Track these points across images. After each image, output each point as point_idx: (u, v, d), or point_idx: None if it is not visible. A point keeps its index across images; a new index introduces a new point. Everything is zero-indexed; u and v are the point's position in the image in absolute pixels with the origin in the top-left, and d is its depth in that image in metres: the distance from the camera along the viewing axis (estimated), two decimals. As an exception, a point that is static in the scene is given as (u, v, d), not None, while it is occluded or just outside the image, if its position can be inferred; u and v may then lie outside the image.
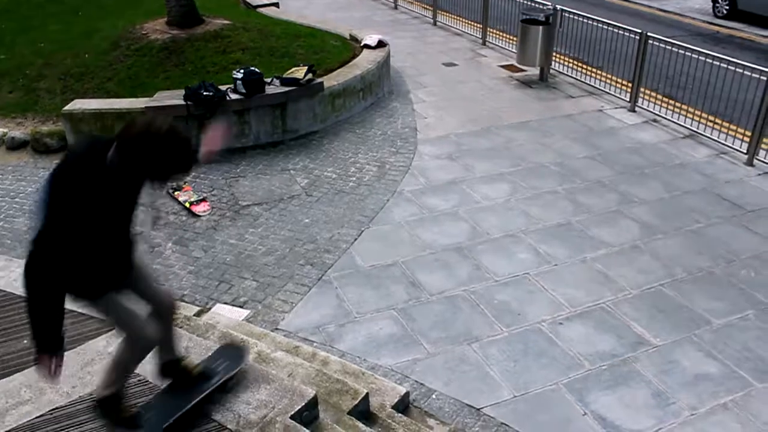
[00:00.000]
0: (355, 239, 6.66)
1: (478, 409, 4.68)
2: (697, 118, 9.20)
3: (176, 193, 7.41)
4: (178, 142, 2.95)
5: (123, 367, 3.43)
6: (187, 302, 5.61)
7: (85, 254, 3.02)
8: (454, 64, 12.12)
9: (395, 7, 16.63)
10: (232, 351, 4.04)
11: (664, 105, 9.78)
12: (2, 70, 10.03)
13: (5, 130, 8.66)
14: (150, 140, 2.87)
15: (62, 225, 2.91)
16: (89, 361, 4.00)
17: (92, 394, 3.68)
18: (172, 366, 3.68)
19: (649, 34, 9.63)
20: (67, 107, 8.38)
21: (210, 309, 5.56)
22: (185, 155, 3.02)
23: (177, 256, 6.40)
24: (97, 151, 2.98)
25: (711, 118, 9.04)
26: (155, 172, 2.98)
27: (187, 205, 7.20)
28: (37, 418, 3.62)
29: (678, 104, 9.60)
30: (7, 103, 9.33)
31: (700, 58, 9.02)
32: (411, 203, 7.35)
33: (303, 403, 3.67)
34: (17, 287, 5.26)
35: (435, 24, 15.00)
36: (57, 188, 2.96)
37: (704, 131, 9.08)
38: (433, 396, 4.79)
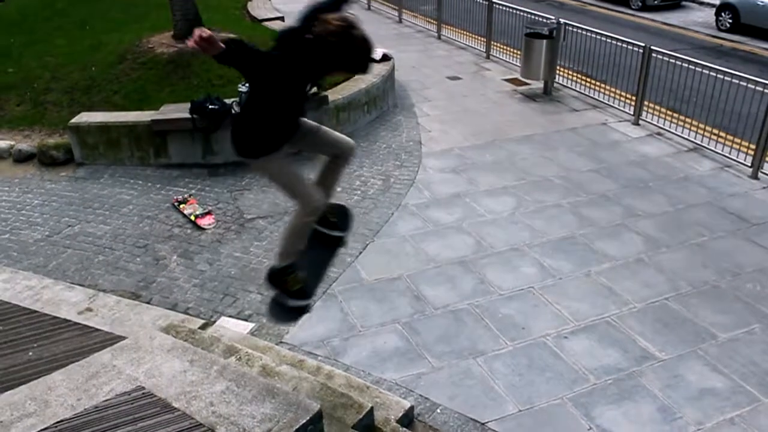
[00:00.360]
0: (360, 253, 6.67)
1: (483, 424, 4.67)
2: (701, 132, 9.21)
3: (182, 206, 7.44)
4: (367, 47, 3.52)
5: (296, 233, 3.89)
6: (191, 315, 5.62)
7: (273, 109, 3.68)
8: (459, 78, 12.16)
9: (399, 21, 16.70)
10: (342, 211, 4.43)
11: (668, 118, 9.79)
12: (10, 83, 10.11)
13: (12, 143, 8.72)
14: (348, 37, 3.44)
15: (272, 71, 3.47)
16: (94, 373, 4.00)
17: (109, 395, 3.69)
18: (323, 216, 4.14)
19: (652, 47, 9.66)
20: (73, 120, 8.44)
21: (215, 322, 5.57)
22: (365, 59, 3.59)
23: (182, 268, 6.41)
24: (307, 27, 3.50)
25: (715, 131, 9.05)
26: (342, 63, 3.53)
27: (192, 218, 7.22)
28: (41, 431, 3.62)
29: (682, 117, 9.62)
30: (15, 116, 9.40)
31: (703, 71, 9.03)
32: (415, 217, 7.36)
33: (307, 417, 3.66)
34: (23, 299, 5.29)
35: (439, 38, 15.06)
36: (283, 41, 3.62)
37: (708, 144, 9.09)
38: (438, 410, 4.78)
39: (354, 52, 3.48)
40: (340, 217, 4.45)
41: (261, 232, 7.03)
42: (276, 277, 4.00)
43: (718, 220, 7.34)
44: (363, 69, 3.65)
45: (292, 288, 4.00)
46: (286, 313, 4.18)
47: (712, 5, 18.63)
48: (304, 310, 4.15)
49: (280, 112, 3.75)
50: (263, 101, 3.65)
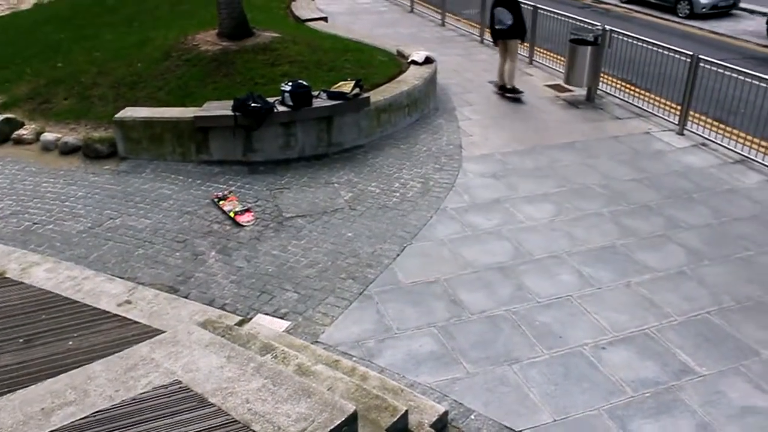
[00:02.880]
0: (398, 255, 6.66)
1: (517, 432, 4.62)
2: (749, 143, 9.02)
3: (221, 202, 7.51)
4: None
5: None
6: (228, 311, 5.66)
7: None
8: (500, 82, 12.08)
9: (442, 24, 16.67)
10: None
11: (714, 129, 9.60)
12: (58, 77, 10.31)
13: (59, 135, 8.89)
14: None
15: None
16: (133, 366, 4.04)
17: (141, 393, 3.73)
18: None
19: (700, 56, 9.48)
20: (118, 114, 8.57)
21: (251, 319, 5.60)
22: None
23: (220, 265, 6.47)
24: None
25: (763, 143, 8.85)
26: None
27: (232, 214, 7.28)
28: (81, 419, 3.67)
29: (729, 128, 9.43)
30: (62, 109, 9.58)
31: (753, 81, 8.84)
32: (454, 221, 7.32)
33: (342, 418, 3.65)
34: (65, 289, 5.38)
35: (482, 42, 15.00)
36: None
37: (756, 156, 8.89)
38: (472, 416, 4.74)
39: None
40: None
41: (299, 230, 7.06)
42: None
43: (765, 235, 7.16)
44: None
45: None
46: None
47: (764, 14, 18.25)
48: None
49: None
50: None
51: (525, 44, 12.33)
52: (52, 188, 7.88)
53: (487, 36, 14.86)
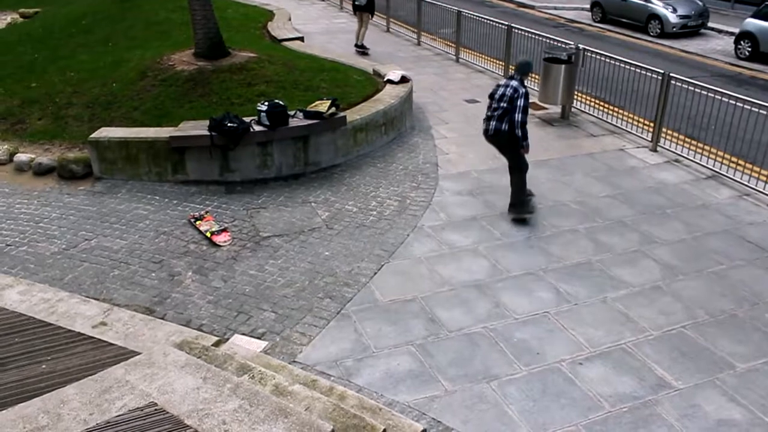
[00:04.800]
0: (375, 273, 6.66)
1: (496, 449, 4.62)
2: (720, 159, 9.16)
3: (198, 222, 7.47)
4: None
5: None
6: (205, 332, 5.61)
7: None
8: (476, 101, 12.17)
9: (418, 44, 16.80)
10: None
11: (687, 145, 9.76)
12: (33, 97, 10.23)
13: (33, 156, 8.81)
14: None
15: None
16: (107, 388, 4.00)
17: (118, 415, 3.68)
18: None
19: (671, 74, 9.64)
20: (93, 135, 8.52)
21: (228, 339, 5.56)
22: None
23: (197, 285, 6.42)
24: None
25: (734, 159, 9.00)
26: None
27: (208, 234, 7.24)
28: (54, 444, 3.62)
29: (701, 145, 9.58)
30: (36, 129, 9.50)
31: (722, 99, 9.01)
32: (431, 239, 7.34)
33: (320, 438, 3.64)
34: (39, 311, 5.31)
35: (458, 61, 15.13)
36: None
37: (727, 172, 9.03)
38: (451, 434, 4.73)
39: None
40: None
41: (276, 250, 7.04)
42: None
43: (737, 249, 7.27)
44: None
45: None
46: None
47: (732, 33, 18.61)
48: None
49: None
50: None
51: (501, 62, 12.42)
52: (25, 209, 7.80)
53: (463, 55, 15.06)
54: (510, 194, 7.85)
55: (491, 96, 7.69)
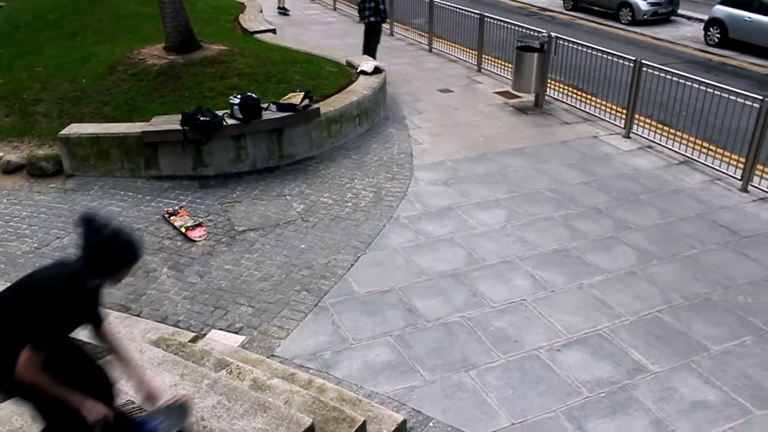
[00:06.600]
0: (352, 265, 6.64)
1: (476, 437, 4.64)
2: (692, 145, 9.26)
3: (172, 218, 7.40)
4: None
5: None
6: (182, 328, 5.57)
7: None
8: (450, 91, 12.20)
9: (391, 34, 16.75)
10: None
11: (659, 132, 9.85)
12: (-1, 94, 10.05)
13: (1, 154, 8.65)
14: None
15: None
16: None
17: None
18: None
19: (643, 61, 9.72)
20: (63, 131, 8.39)
21: (205, 335, 5.52)
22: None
23: (172, 281, 6.36)
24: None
25: (705, 144, 9.11)
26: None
27: (183, 230, 7.18)
28: (28, 446, 3.57)
29: (672, 131, 9.68)
30: (4, 127, 9.34)
31: (693, 85, 9.10)
32: (407, 229, 7.34)
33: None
34: (11, 313, 5.21)
35: (431, 51, 15.12)
36: None
37: (698, 158, 9.14)
38: (431, 424, 4.74)
39: None
40: None
41: (252, 244, 6.99)
42: None
43: (709, 233, 7.36)
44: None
45: None
46: None
47: (701, 20, 18.81)
48: None
49: None
50: None
51: (474, 51, 12.44)
52: (-5, 208, 7.67)
53: (436, 44, 15.05)
54: None
55: None
